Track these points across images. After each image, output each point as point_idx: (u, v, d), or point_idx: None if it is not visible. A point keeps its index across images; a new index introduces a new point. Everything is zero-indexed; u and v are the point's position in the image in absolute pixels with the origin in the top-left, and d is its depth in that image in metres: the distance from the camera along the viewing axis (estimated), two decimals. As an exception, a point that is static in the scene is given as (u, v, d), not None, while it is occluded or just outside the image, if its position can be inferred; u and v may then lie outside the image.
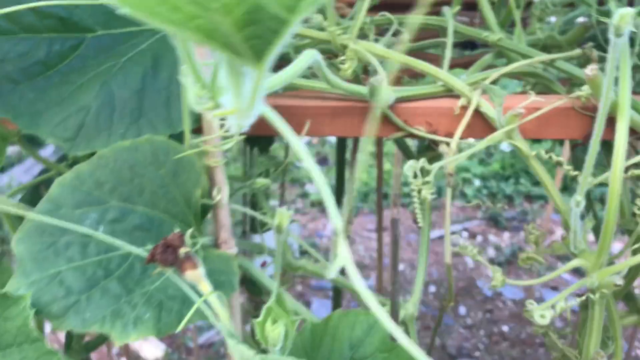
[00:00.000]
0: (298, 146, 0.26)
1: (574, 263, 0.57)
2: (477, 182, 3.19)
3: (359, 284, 0.27)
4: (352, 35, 0.65)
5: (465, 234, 2.89)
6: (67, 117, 0.51)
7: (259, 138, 0.76)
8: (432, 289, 2.52)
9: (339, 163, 1.46)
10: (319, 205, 3.34)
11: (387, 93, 0.59)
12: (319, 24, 0.69)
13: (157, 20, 0.22)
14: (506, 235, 2.84)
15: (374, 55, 0.65)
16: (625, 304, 0.64)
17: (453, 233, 2.86)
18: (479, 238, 2.84)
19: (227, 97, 0.28)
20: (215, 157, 0.52)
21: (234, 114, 0.26)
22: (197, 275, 0.43)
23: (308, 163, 0.27)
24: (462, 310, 2.39)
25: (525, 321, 2.16)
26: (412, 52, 0.84)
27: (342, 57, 0.64)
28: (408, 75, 0.76)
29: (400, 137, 0.62)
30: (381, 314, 0.25)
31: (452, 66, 0.83)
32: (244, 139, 0.76)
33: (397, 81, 0.78)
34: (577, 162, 0.84)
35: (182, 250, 0.42)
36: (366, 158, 3.82)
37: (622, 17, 0.42)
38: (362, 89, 0.59)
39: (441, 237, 2.82)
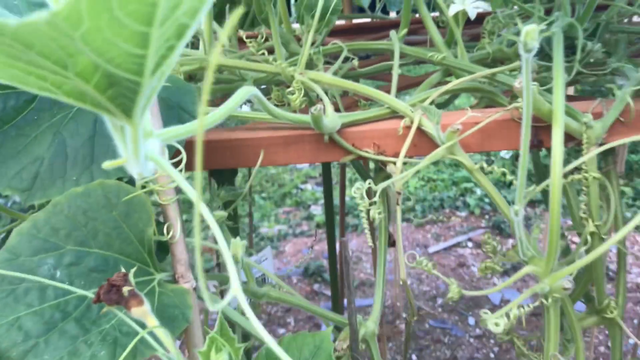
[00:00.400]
0: (173, 173, 0.28)
1: (525, 270, 0.58)
2: (478, 191, 3.19)
3: (250, 313, 0.29)
4: (299, 67, 0.67)
5: (470, 244, 2.89)
6: (23, 169, 0.54)
7: (222, 171, 0.79)
8: (440, 301, 2.52)
9: (326, 183, 1.49)
10: (325, 226, 3.35)
11: (332, 119, 0.62)
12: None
13: (31, 89, 0.25)
14: (510, 242, 2.84)
15: (323, 84, 0.67)
16: (585, 305, 0.65)
17: (458, 244, 2.86)
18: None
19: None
20: (166, 195, 0.55)
21: (124, 164, 0.29)
22: (142, 312, 0.45)
23: (179, 181, 0.29)
24: (471, 320, 2.38)
25: (535, 326, 2.15)
26: (371, 75, 0.87)
27: (291, 88, 0.66)
28: (364, 99, 0.78)
29: (350, 160, 0.64)
30: (269, 340, 0.27)
31: (410, 86, 0.85)
32: (208, 173, 0.78)
33: (354, 104, 0.80)
34: (538, 168, 0.85)
35: (126, 289, 0.44)
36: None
37: (528, 33, 0.44)
38: (307, 118, 0.61)
39: (446, 249, 2.82)
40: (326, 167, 1.47)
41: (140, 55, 0.22)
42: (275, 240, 3.21)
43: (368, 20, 1.38)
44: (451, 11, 0.65)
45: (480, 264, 0.66)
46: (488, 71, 0.64)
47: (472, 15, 0.65)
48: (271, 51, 0.77)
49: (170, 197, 0.55)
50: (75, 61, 0.22)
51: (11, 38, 0.20)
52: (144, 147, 0.28)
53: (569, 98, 0.79)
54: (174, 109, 0.59)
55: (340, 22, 1.32)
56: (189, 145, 0.64)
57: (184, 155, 0.49)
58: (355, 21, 1.37)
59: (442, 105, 0.95)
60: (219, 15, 1.12)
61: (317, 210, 3.49)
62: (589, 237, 0.59)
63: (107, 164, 0.29)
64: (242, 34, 0.69)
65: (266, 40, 0.83)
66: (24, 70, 0.23)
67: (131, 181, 0.57)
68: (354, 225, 3.20)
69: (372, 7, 1.49)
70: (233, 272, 0.29)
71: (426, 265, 0.62)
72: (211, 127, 0.65)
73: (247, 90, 0.46)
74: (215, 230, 0.30)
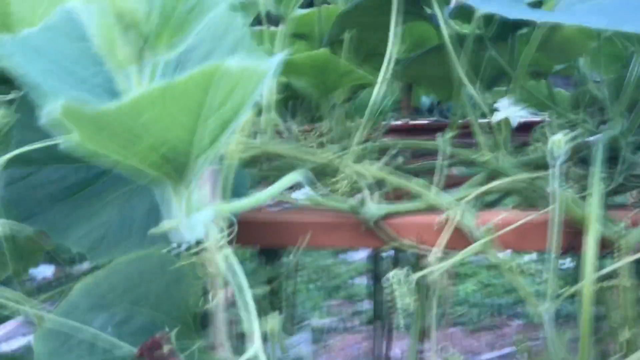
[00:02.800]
0: (213, 246, 0.33)
1: (555, 374, 0.58)
2: (537, 300, 3.07)
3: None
4: (349, 159, 0.73)
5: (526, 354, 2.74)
6: (91, 230, 0.61)
7: (270, 250, 0.83)
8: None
9: (377, 277, 1.50)
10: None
11: (373, 209, 0.66)
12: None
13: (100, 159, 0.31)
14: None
15: (368, 176, 0.72)
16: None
17: (513, 354, 2.73)
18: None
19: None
20: (212, 266, 0.60)
21: (175, 227, 0.34)
22: (179, 371, 0.48)
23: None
24: None
25: None
26: (425, 171, 0.92)
27: (336, 178, 0.72)
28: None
29: (389, 249, 0.67)
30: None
31: (459, 184, 0.89)
32: (258, 251, 0.83)
33: (401, 197, 0.84)
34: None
35: (167, 348, 0.48)
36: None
37: (554, 143, 0.48)
38: (347, 206, 0.66)
39: (499, 358, 2.70)
40: (377, 261, 1.48)
41: (188, 141, 0.27)
42: (325, 332, 3.17)
43: (426, 121, 1.44)
44: (495, 118, 0.70)
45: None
46: (525, 175, 0.67)
47: (514, 123, 0.69)
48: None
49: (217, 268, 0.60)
50: (135, 143, 0.28)
51: (89, 121, 0.26)
52: (193, 215, 0.33)
53: (611, 207, 0.80)
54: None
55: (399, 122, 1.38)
56: (242, 224, 0.69)
57: (235, 228, 0.54)
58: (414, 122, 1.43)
59: (493, 203, 0.97)
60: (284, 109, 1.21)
61: (370, 306, 3.43)
62: (624, 346, 0.59)
63: (160, 227, 0.34)
64: (295, 128, 0.76)
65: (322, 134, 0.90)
66: (99, 144, 0.29)
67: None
68: (408, 326, 3.12)
69: (431, 110, 1.56)
70: (257, 332, 0.33)
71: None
72: (263, 208, 0.70)
73: (293, 176, 0.52)
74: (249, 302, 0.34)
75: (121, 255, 0.60)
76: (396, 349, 2.69)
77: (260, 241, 0.70)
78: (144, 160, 0.30)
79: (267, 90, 0.81)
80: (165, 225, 0.33)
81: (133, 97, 0.24)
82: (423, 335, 1.63)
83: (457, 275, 3.63)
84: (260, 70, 0.25)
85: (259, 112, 0.89)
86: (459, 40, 0.84)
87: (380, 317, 1.48)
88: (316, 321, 3.27)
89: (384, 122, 1.08)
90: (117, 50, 0.31)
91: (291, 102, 1.22)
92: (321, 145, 0.81)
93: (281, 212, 0.73)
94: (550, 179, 0.51)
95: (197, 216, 0.39)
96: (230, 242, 0.57)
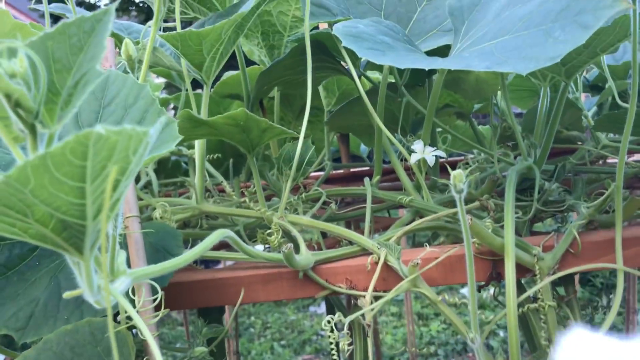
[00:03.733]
0: (130, 311, 0.34)
1: (492, 400, 0.60)
2: (501, 333, 3.10)
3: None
4: (280, 211, 0.75)
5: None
6: (19, 310, 0.60)
7: (209, 310, 0.83)
8: None
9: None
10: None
11: (305, 257, 0.67)
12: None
13: (3, 233, 0.32)
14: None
15: (301, 225, 0.74)
16: None
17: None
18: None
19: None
20: (147, 330, 0.59)
21: (81, 294, 0.34)
22: None
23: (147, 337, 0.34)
24: None
25: None
26: (357, 217, 0.94)
27: (269, 231, 0.73)
28: (345, 239, 0.84)
29: (325, 295, 0.69)
30: None
31: (387, 227, 0.92)
32: (197, 312, 0.83)
33: (337, 244, 0.86)
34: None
35: (95, 418, 0.47)
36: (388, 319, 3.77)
37: (455, 177, 0.51)
38: (281, 256, 0.67)
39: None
40: (330, 307, 1.48)
41: (80, 204, 0.28)
42: (295, 389, 3.10)
43: (364, 168, 1.47)
44: (412, 160, 0.73)
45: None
46: (448, 211, 0.70)
47: (431, 162, 0.72)
48: (267, 199, 0.85)
49: (151, 332, 0.60)
50: (33, 210, 0.29)
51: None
52: (96, 279, 0.34)
53: (534, 233, 0.84)
54: (160, 252, 0.66)
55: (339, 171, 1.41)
56: (174, 285, 0.69)
57: (159, 293, 0.55)
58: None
59: (429, 242, 1.00)
60: (226, 169, 1.23)
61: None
62: (553, 366, 0.61)
63: (67, 294, 0.35)
64: (225, 184, 0.78)
65: (263, 189, 0.92)
66: (-2, 219, 0.30)
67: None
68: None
69: (370, 157, 1.61)
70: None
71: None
72: (197, 267, 0.71)
73: (220, 233, 0.53)
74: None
75: (49, 332, 0.59)
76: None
77: (197, 302, 0.70)
78: (44, 227, 0.31)
79: (198, 151, 0.83)
80: (67, 294, 0.34)
81: (17, 167, 0.26)
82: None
83: (422, 317, 3.64)
84: (137, 133, 0.27)
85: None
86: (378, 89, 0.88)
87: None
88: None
89: (321, 172, 1.11)
90: (10, 127, 0.32)
91: (232, 160, 1.24)
92: (256, 200, 0.83)
93: (215, 271, 0.73)
94: (458, 211, 0.53)
95: (115, 283, 0.40)
96: (158, 307, 0.58)
